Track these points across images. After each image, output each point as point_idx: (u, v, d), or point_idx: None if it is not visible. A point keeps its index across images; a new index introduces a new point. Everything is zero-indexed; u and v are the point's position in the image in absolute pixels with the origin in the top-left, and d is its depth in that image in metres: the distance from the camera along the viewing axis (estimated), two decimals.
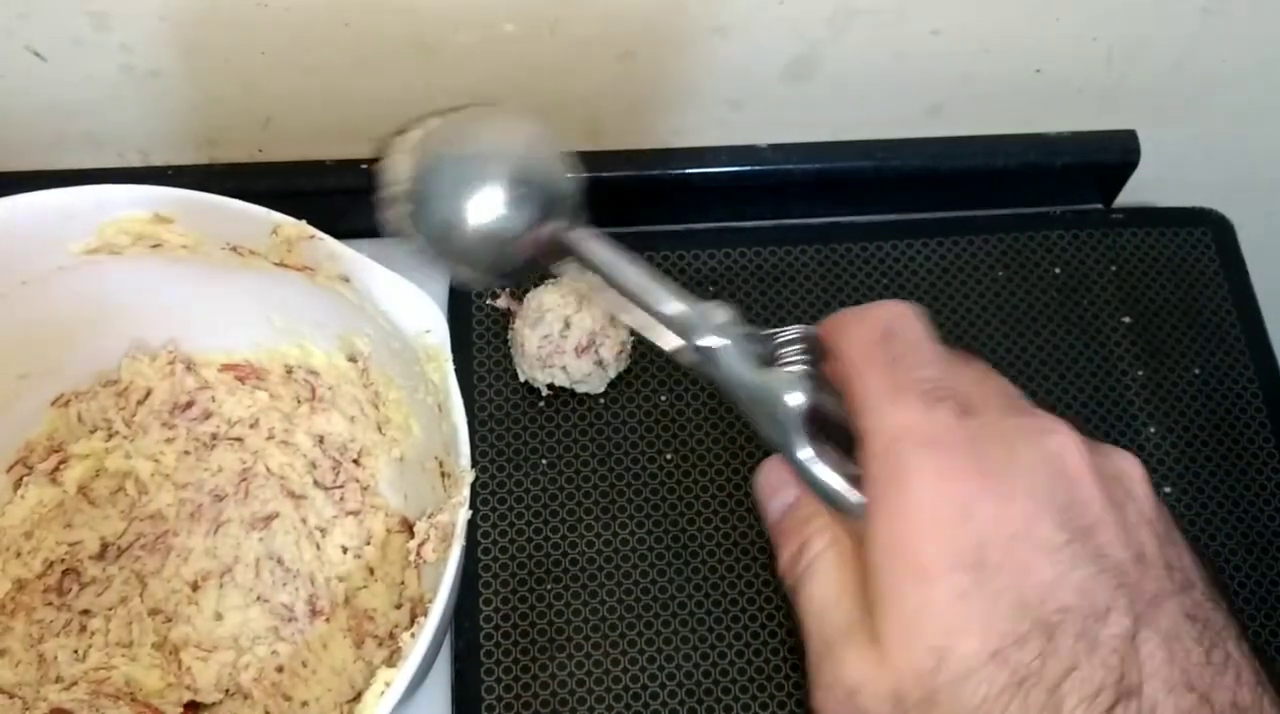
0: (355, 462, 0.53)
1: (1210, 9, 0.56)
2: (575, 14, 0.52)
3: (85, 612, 0.50)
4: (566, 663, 0.51)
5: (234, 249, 0.46)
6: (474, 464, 0.42)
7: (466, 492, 0.41)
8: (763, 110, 0.59)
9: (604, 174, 0.60)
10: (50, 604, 0.50)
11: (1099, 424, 0.58)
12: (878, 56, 0.56)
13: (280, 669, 0.49)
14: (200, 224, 0.45)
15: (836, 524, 0.33)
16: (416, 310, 0.43)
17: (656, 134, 0.60)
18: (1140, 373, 0.59)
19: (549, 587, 0.53)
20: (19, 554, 0.50)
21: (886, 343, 0.32)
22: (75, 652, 0.49)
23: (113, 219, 0.45)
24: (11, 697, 0.48)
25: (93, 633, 0.49)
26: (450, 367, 0.43)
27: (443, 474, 0.46)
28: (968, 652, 0.28)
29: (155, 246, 0.46)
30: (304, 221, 0.44)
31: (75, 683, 0.48)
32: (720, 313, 0.34)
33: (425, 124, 0.39)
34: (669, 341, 0.35)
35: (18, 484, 0.51)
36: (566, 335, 0.54)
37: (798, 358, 0.33)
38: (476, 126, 0.38)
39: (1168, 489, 0.57)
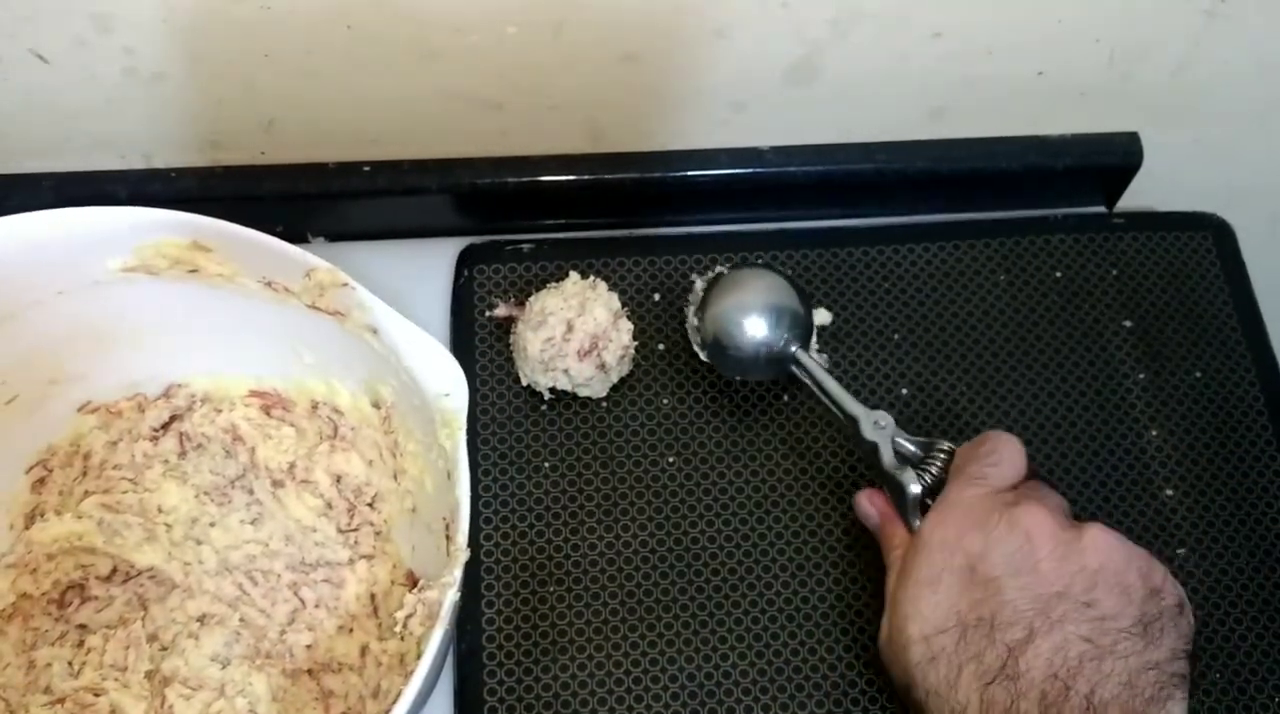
0: (370, 505, 0.52)
1: (1212, 12, 0.56)
2: (578, 16, 0.52)
3: (82, 626, 0.50)
4: (569, 665, 0.51)
5: (269, 284, 0.46)
6: (476, 480, 0.42)
7: (458, 573, 0.41)
8: (765, 112, 0.59)
9: (606, 176, 0.60)
10: (49, 614, 0.50)
11: (1100, 427, 0.58)
12: (880, 59, 0.56)
13: None
14: (237, 256, 0.45)
15: (909, 540, 0.50)
16: (439, 371, 0.44)
17: (658, 136, 0.60)
18: (1142, 376, 0.59)
19: (551, 589, 0.53)
20: (34, 571, 0.50)
21: (984, 455, 0.48)
22: (70, 664, 0.49)
23: (151, 242, 0.45)
24: None
25: (89, 649, 0.49)
26: (463, 436, 0.43)
27: (447, 538, 0.46)
28: (912, 631, 0.46)
29: (193, 271, 0.46)
30: (339, 269, 0.44)
31: (64, 699, 0.48)
32: (882, 418, 0.52)
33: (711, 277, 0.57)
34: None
35: (36, 485, 0.51)
36: (569, 339, 0.54)
37: (933, 459, 0.51)
38: (748, 276, 0.55)
39: (1169, 491, 0.57)
